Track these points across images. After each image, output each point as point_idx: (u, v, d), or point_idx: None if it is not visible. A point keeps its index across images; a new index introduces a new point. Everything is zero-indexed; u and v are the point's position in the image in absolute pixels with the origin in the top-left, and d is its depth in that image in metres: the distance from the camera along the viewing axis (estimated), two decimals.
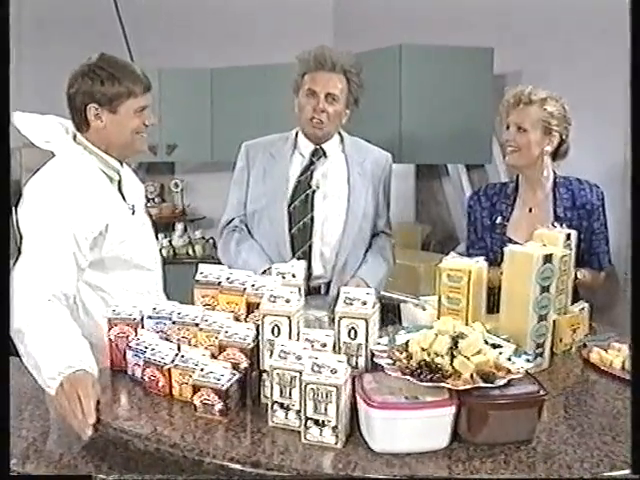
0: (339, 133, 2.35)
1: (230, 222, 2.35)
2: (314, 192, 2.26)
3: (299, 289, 1.52)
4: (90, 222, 1.78)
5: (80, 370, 1.49)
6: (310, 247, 2.26)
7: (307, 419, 1.28)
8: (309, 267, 2.24)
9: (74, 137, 1.89)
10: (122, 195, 1.94)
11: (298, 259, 2.17)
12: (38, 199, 1.76)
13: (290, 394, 1.33)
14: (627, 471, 1.19)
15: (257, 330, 1.48)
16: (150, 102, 1.88)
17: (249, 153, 2.35)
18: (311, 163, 2.29)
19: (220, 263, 2.00)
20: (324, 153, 2.30)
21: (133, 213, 1.95)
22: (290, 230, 2.24)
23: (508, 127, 2.17)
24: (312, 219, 2.26)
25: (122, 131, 1.85)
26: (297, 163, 2.30)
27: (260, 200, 2.29)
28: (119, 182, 1.94)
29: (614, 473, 1.20)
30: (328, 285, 2.28)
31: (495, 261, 1.83)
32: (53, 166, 1.84)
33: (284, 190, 2.26)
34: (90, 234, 1.78)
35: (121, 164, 1.94)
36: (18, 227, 1.73)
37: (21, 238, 1.72)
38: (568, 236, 1.85)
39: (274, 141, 2.36)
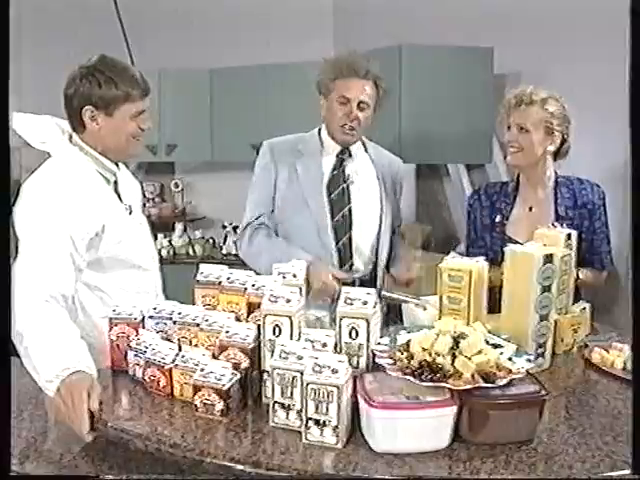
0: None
1: (256, 219, 2.32)
2: (349, 186, 2.30)
3: (300, 289, 1.52)
4: (86, 223, 1.78)
5: (77, 372, 1.49)
6: (350, 239, 2.28)
7: (308, 419, 1.28)
8: (350, 257, 2.29)
9: (70, 138, 1.89)
10: (119, 195, 1.94)
11: (339, 250, 2.26)
12: (34, 200, 1.76)
13: (291, 394, 1.33)
14: (628, 471, 1.19)
15: (258, 330, 1.48)
16: (147, 106, 1.87)
17: (273, 150, 2.34)
18: (341, 160, 2.32)
19: (227, 262, 1.99)
20: (350, 154, 2.34)
21: (130, 213, 1.95)
22: (332, 219, 2.27)
23: (509, 128, 2.17)
24: (350, 210, 2.28)
25: (117, 135, 1.85)
26: (327, 160, 2.33)
27: (296, 194, 2.28)
28: (115, 183, 1.94)
29: (615, 473, 1.20)
30: (361, 281, 2.28)
31: (495, 260, 1.83)
32: (49, 167, 1.84)
33: (322, 182, 2.28)
34: (86, 235, 1.78)
35: (117, 166, 1.94)
36: (14, 227, 1.73)
37: (16, 238, 1.72)
38: (569, 236, 1.85)
39: (299, 139, 2.38)
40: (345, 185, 2.30)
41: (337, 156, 2.33)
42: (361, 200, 2.31)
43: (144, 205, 4.80)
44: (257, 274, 1.65)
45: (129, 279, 1.92)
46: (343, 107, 2.23)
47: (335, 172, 2.31)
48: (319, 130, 2.37)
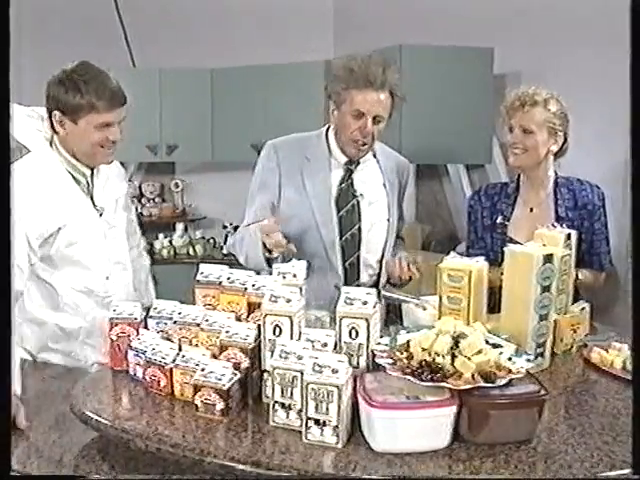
0: None
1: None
2: (359, 202, 2.19)
3: (300, 289, 1.52)
4: (43, 223, 1.86)
5: None
6: (358, 257, 2.20)
7: (308, 419, 1.28)
8: (358, 277, 2.20)
9: (52, 138, 1.94)
10: (92, 197, 1.98)
11: (346, 269, 2.17)
12: None
13: (291, 394, 1.33)
14: (627, 471, 1.19)
15: (258, 330, 1.48)
16: (119, 118, 1.88)
17: (279, 153, 2.19)
18: (350, 172, 2.20)
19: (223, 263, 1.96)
20: (358, 162, 2.22)
21: (101, 215, 2.01)
22: (341, 238, 2.17)
23: (511, 129, 2.16)
24: (359, 229, 2.19)
25: (83, 142, 1.88)
26: (335, 169, 2.20)
27: (303, 205, 2.16)
28: (88, 184, 1.98)
29: (614, 473, 1.20)
30: None
31: (495, 261, 1.83)
32: (22, 163, 1.88)
33: (330, 197, 2.17)
34: (42, 235, 1.86)
35: (92, 170, 1.97)
36: None
37: None
38: (568, 236, 1.85)
39: (305, 142, 2.24)
40: (355, 201, 2.18)
41: (345, 165, 2.20)
42: (370, 216, 2.20)
43: (141, 204, 4.84)
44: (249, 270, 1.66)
45: (76, 278, 1.97)
46: (357, 121, 2.07)
47: (343, 185, 2.18)
48: (326, 133, 2.23)
